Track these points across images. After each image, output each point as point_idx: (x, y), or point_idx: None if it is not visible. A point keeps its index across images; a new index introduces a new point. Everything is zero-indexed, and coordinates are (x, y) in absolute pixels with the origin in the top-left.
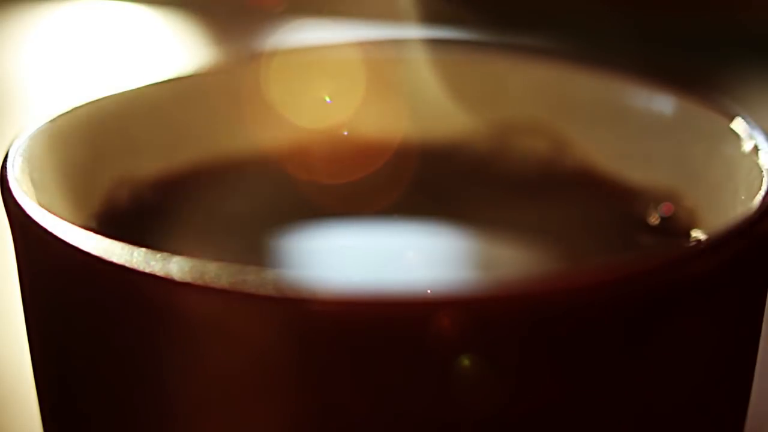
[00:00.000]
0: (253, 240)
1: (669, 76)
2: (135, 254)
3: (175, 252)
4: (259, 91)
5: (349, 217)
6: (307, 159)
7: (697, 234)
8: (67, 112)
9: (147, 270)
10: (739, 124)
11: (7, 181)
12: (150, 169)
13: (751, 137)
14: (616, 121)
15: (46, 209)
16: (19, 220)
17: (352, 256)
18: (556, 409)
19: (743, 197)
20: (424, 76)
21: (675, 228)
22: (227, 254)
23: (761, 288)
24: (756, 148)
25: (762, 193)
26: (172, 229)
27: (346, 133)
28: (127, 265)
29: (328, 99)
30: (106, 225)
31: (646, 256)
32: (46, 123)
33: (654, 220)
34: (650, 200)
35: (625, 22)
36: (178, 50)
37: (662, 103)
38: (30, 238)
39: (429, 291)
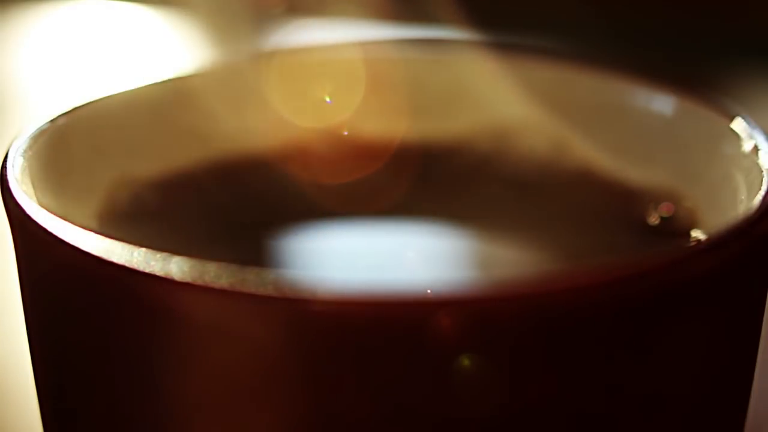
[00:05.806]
0: (253, 240)
1: (669, 76)
2: (135, 254)
3: (175, 252)
4: (259, 91)
5: (349, 217)
6: (307, 159)
7: (697, 234)
8: (67, 112)
9: (147, 270)
10: (739, 124)
11: (7, 181)
12: (150, 169)
13: (751, 137)
14: (616, 121)
15: (46, 209)
16: (19, 220)
17: (352, 256)
18: (556, 409)
19: (743, 197)
20: (424, 76)
21: (675, 228)
22: (227, 254)
23: (761, 288)
24: (756, 148)
25: (762, 193)
26: (172, 229)
27: (346, 133)
28: (127, 265)
29: (328, 99)
30: (106, 225)
31: (646, 257)
32: (46, 123)
33: (654, 220)
34: (650, 200)
35: (625, 22)
36: (178, 50)
37: (662, 103)
38: (30, 238)
39: (429, 291)
